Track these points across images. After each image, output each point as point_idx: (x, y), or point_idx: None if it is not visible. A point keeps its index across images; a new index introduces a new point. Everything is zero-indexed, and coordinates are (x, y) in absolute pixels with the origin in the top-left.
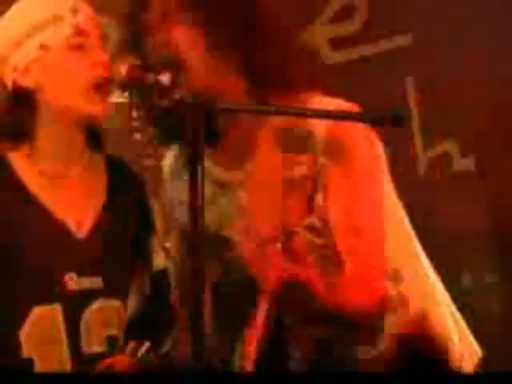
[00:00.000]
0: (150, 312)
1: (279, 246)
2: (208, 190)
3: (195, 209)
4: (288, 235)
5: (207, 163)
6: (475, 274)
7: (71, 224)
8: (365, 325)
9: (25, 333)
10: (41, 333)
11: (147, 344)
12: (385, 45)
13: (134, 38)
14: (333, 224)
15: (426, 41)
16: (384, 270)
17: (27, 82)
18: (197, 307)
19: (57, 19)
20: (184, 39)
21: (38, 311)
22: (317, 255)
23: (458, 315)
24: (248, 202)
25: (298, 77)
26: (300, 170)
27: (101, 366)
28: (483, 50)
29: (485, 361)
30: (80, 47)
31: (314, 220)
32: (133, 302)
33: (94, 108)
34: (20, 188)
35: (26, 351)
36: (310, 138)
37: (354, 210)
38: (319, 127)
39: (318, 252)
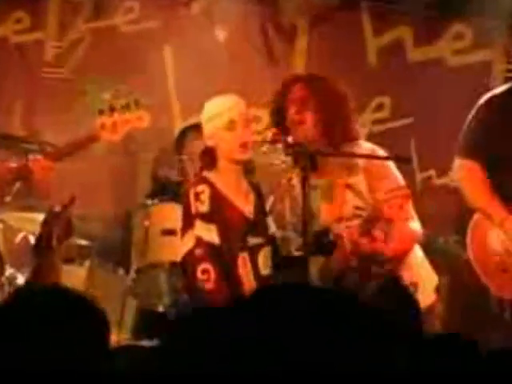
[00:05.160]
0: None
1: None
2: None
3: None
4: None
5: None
6: None
7: (245, 210)
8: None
9: None
10: None
11: None
12: None
13: (278, 117)
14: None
15: None
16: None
17: (210, 143)
18: None
19: (220, 114)
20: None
21: None
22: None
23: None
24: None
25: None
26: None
27: None
28: None
29: None
30: (232, 128)
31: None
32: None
33: (243, 156)
34: (215, 188)
35: None
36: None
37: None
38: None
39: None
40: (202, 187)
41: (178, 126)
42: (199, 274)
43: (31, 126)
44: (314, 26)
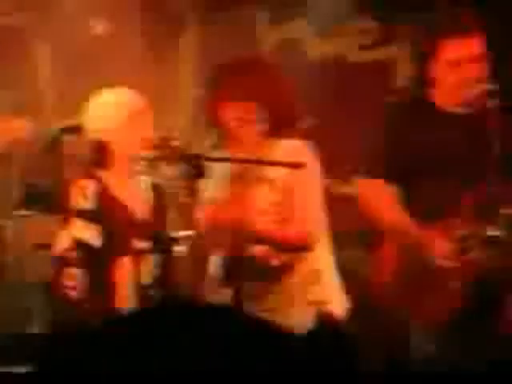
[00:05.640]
0: None
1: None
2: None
3: None
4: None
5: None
6: None
7: (136, 212)
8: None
9: None
10: None
11: None
12: None
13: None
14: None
15: None
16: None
17: (103, 138)
18: None
19: (120, 105)
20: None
21: None
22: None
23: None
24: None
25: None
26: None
27: None
28: None
29: None
30: (135, 121)
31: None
32: None
33: (143, 152)
34: (104, 186)
35: None
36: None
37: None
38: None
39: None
40: (86, 182)
41: (52, 127)
42: (65, 280)
43: None
44: (204, 18)
